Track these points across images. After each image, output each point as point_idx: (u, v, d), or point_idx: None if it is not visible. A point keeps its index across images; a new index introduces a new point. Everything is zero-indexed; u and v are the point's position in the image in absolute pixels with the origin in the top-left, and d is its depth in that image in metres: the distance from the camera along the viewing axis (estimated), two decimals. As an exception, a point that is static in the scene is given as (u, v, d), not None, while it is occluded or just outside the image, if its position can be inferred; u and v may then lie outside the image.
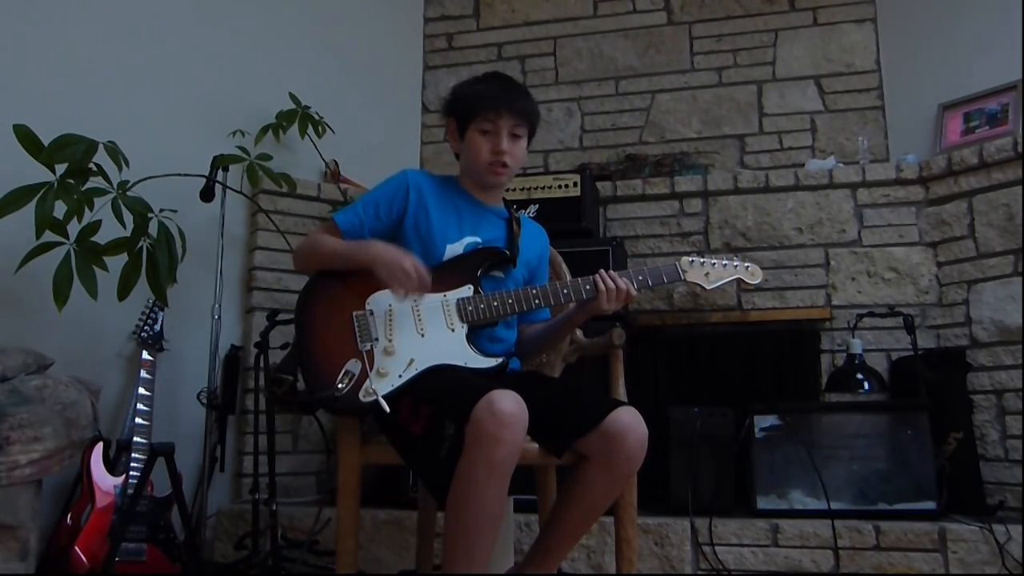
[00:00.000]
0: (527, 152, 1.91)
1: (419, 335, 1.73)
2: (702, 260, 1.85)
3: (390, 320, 1.74)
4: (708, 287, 1.86)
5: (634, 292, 1.78)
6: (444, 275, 1.79)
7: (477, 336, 1.78)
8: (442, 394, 1.64)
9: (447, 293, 1.78)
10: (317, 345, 1.72)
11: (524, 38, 3.88)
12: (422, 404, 1.64)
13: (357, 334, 1.71)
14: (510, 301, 1.77)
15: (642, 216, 3.25)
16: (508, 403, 1.49)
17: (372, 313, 1.74)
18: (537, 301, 1.78)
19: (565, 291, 1.78)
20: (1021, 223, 2.74)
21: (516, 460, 1.52)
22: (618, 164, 3.50)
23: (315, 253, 1.83)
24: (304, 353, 1.73)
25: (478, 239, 1.87)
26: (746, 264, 1.88)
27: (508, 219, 1.95)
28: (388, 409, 1.62)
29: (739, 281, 1.89)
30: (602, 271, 1.79)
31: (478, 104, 1.83)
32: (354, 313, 1.74)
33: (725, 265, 1.87)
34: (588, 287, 1.78)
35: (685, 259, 1.85)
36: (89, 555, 2.26)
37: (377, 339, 1.71)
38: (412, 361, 1.70)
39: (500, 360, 1.75)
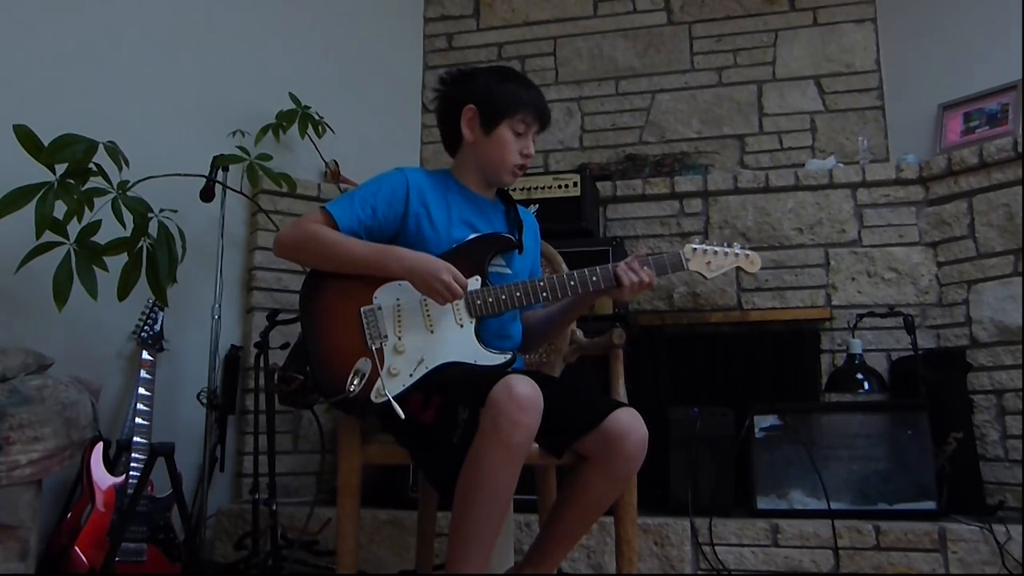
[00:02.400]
0: None
1: (428, 332, 1.71)
2: (704, 248, 1.85)
3: (399, 316, 1.71)
4: (709, 276, 1.86)
5: (656, 280, 1.79)
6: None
7: (484, 331, 1.76)
8: (453, 383, 1.64)
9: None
10: (325, 342, 1.70)
11: (524, 38, 3.88)
12: (433, 395, 1.64)
13: (366, 331, 1.69)
14: (518, 294, 1.74)
15: (642, 216, 3.25)
16: (526, 387, 1.50)
17: (380, 308, 1.71)
18: (544, 294, 1.75)
19: (572, 283, 1.76)
20: (1021, 223, 2.74)
21: (531, 445, 1.53)
22: (618, 164, 3.50)
23: (319, 248, 1.73)
24: (312, 350, 1.70)
25: (480, 233, 1.85)
26: (746, 252, 1.88)
27: (505, 210, 1.94)
28: (403, 416, 1.62)
29: (739, 271, 1.89)
30: (623, 264, 1.77)
31: (518, 104, 1.81)
32: (362, 308, 1.71)
33: (727, 253, 1.86)
34: (595, 279, 1.76)
35: (689, 247, 1.85)
36: (89, 555, 2.26)
37: (386, 336, 1.69)
38: (422, 360, 1.68)
39: (509, 356, 1.74)
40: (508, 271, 1.86)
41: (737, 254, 1.87)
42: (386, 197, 1.79)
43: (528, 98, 1.83)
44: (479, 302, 1.74)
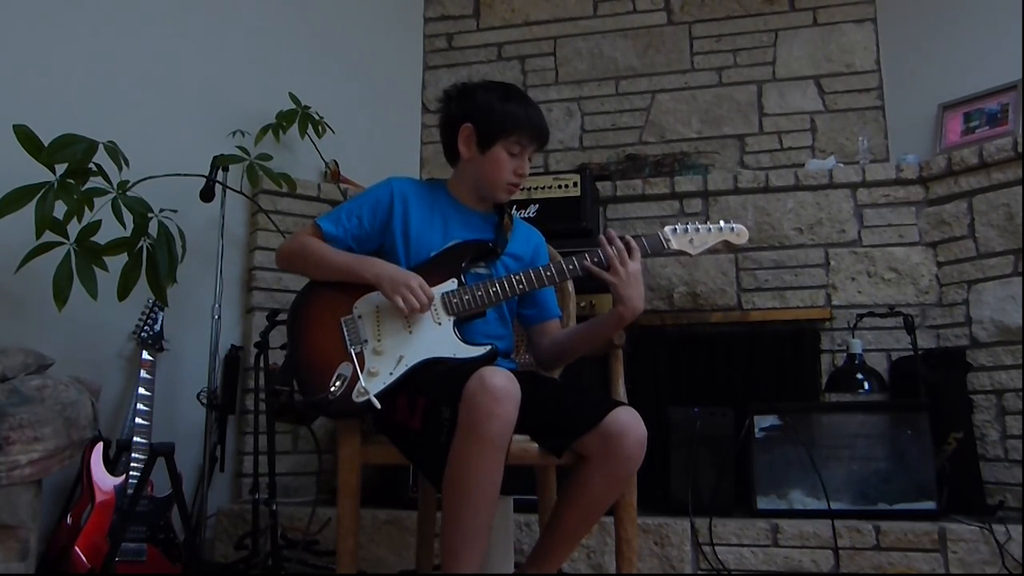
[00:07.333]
0: None
1: (407, 332, 1.74)
2: (685, 227, 1.83)
3: (378, 322, 1.75)
4: (694, 253, 1.83)
5: (635, 247, 1.77)
6: (428, 272, 1.79)
7: (468, 331, 1.78)
8: (435, 382, 1.65)
9: (431, 289, 1.77)
10: (308, 351, 1.75)
11: (524, 38, 3.88)
12: (418, 398, 1.65)
13: (346, 338, 1.73)
14: (493, 289, 1.76)
15: (642, 216, 3.25)
16: (499, 378, 1.50)
17: (360, 316, 1.76)
18: (521, 286, 1.76)
19: (549, 273, 1.77)
20: (1021, 223, 2.74)
21: (510, 435, 1.53)
22: (618, 164, 3.50)
23: (306, 259, 1.84)
24: (296, 359, 1.76)
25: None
26: (731, 225, 1.83)
27: (497, 222, 1.94)
28: (379, 406, 1.63)
29: (727, 245, 1.83)
30: (601, 237, 1.78)
31: (515, 125, 1.82)
32: (342, 318, 1.76)
33: (710, 229, 1.83)
34: (572, 267, 1.76)
35: (667, 228, 1.83)
36: (89, 555, 2.26)
37: (366, 341, 1.73)
38: (402, 358, 1.71)
39: (489, 347, 1.74)
40: (485, 270, 1.87)
41: (721, 228, 1.83)
42: (371, 206, 1.87)
43: (525, 119, 1.83)
44: (455, 300, 1.77)
